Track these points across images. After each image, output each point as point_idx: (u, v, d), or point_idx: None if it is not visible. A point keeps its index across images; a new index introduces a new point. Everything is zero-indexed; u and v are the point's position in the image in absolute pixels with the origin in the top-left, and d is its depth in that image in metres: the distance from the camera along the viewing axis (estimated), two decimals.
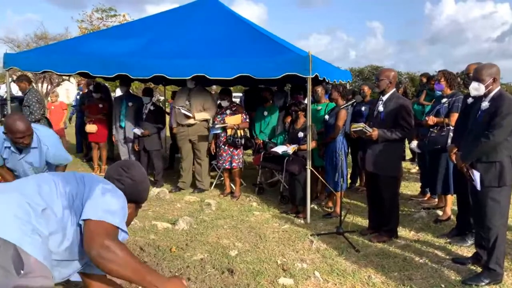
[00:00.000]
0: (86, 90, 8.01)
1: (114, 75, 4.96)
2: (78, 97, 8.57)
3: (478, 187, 3.03)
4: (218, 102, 6.21)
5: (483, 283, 3.00)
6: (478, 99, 3.16)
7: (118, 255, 1.48)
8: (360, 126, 3.81)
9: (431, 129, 4.44)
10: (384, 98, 3.89)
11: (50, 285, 1.49)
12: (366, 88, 5.68)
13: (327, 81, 5.60)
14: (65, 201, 1.64)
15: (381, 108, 3.88)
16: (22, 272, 1.38)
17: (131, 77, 4.96)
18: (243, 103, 7.50)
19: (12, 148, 3.06)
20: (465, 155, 3.14)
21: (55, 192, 1.64)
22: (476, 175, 3.03)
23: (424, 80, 6.72)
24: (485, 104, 3.05)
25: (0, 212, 1.47)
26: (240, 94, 15.06)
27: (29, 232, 1.46)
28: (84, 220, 1.58)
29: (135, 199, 1.90)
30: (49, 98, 10.65)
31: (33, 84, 7.50)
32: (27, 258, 1.41)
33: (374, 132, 3.76)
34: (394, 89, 3.94)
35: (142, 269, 1.51)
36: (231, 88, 7.29)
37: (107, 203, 1.64)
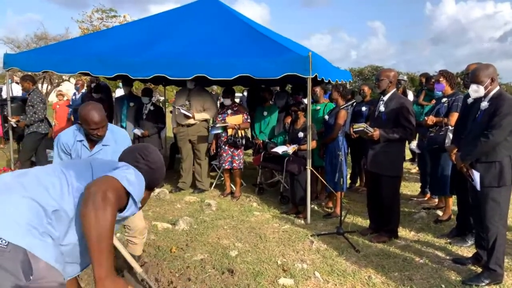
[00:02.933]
0: (82, 90, 8.01)
1: (114, 75, 4.97)
2: (74, 97, 8.54)
3: (478, 187, 3.04)
4: (220, 101, 6.21)
5: (483, 284, 3.00)
6: (478, 99, 3.16)
7: (106, 212, 1.37)
8: (361, 126, 3.81)
9: (430, 129, 4.45)
10: (385, 98, 3.89)
11: None
12: (366, 88, 5.69)
13: (328, 81, 5.59)
14: (77, 198, 1.52)
15: (382, 108, 3.88)
16: (31, 278, 1.33)
17: (131, 77, 4.96)
18: (244, 103, 7.51)
19: (84, 143, 2.86)
20: (465, 155, 3.14)
21: (66, 189, 1.53)
22: (476, 175, 3.04)
23: (423, 80, 6.72)
24: (484, 104, 3.06)
25: (8, 214, 1.39)
26: (240, 94, 15.08)
27: (40, 235, 1.40)
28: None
29: (151, 185, 1.79)
30: (55, 98, 10.67)
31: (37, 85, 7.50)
32: (37, 263, 1.35)
33: (376, 132, 3.77)
34: (395, 89, 3.95)
35: (107, 247, 1.37)
36: None
37: (125, 173, 1.55)
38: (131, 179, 1.54)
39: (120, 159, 1.77)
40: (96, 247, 1.36)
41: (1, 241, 1.33)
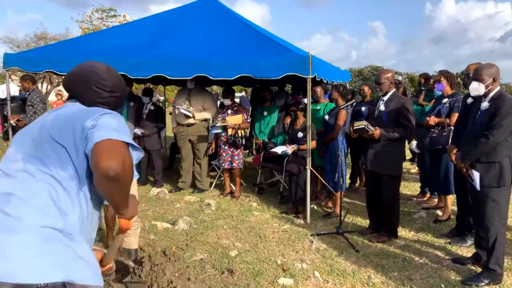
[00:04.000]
0: None
1: None
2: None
3: (478, 187, 3.04)
4: (220, 101, 6.22)
5: (483, 283, 3.00)
6: (478, 99, 3.16)
7: (128, 181, 1.35)
8: (362, 124, 3.81)
9: (432, 129, 4.44)
10: (385, 98, 3.89)
11: None
12: (366, 88, 5.69)
13: (327, 81, 5.60)
14: (72, 170, 1.38)
15: (382, 108, 3.88)
16: None
17: (130, 77, 4.95)
18: (244, 103, 7.51)
19: None
20: (465, 155, 3.14)
21: (68, 197, 1.37)
22: (476, 175, 3.04)
23: (422, 80, 6.72)
24: (485, 105, 3.06)
25: (33, 252, 1.24)
26: (240, 94, 15.09)
27: (69, 255, 1.29)
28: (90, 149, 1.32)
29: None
30: (55, 97, 10.65)
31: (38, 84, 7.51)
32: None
33: (376, 131, 3.77)
34: (394, 89, 3.95)
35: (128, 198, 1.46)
36: None
37: (106, 123, 1.37)
38: (113, 124, 1.39)
39: (82, 100, 1.53)
40: (124, 205, 1.47)
41: (39, 285, 1.22)
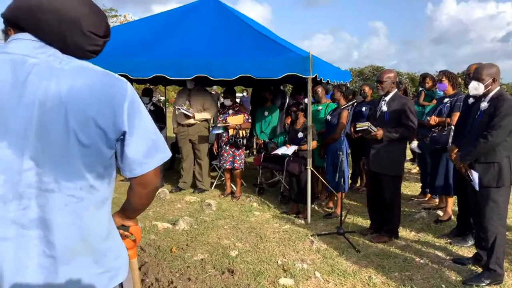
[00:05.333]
0: None
1: None
2: None
3: (477, 187, 3.05)
4: (221, 101, 6.22)
5: (484, 284, 3.00)
6: (478, 99, 3.16)
7: (150, 199, 1.32)
8: (365, 125, 3.81)
9: (432, 129, 4.44)
10: (387, 98, 3.89)
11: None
12: (367, 89, 5.69)
13: (327, 81, 5.59)
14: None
15: (384, 108, 3.88)
16: None
17: (131, 77, 4.95)
18: (244, 103, 7.51)
19: None
20: (464, 155, 3.15)
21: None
22: (475, 175, 3.04)
23: (421, 79, 6.71)
24: (484, 105, 3.06)
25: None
26: (241, 94, 15.09)
27: (105, 267, 1.20)
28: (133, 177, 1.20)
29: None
30: None
31: None
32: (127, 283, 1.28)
33: (379, 132, 3.77)
34: (396, 89, 3.95)
35: None
36: None
37: (146, 131, 1.18)
38: (156, 134, 1.22)
39: (58, 45, 1.12)
40: (141, 210, 1.39)
41: None
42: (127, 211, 1.37)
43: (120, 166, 1.19)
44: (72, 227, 1.11)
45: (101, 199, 1.18)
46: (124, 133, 1.12)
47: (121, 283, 1.25)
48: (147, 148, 1.17)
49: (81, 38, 1.13)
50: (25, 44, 1.09)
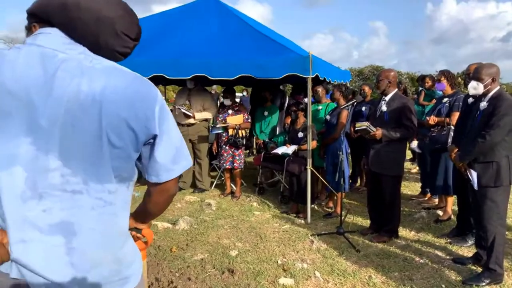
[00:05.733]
0: None
1: None
2: None
3: (475, 186, 3.06)
4: (221, 101, 6.22)
5: (484, 283, 3.00)
6: (478, 99, 3.17)
7: (167, 205, 1.31)
8: (364, 125, 3.81)
9: (432, 129, 4.45)
10: (387, 98, 3.89)
11: None
12: (366, 88, 5.69)
13: (328, 81, 5.59)
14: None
15: (384, 108, 3.88)
16: None
17: None
18: (245, 103, 7.50)
19: None
20: (463, 154, 3.16)
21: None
22: (474, 175, 3.06)
23: (419, 82, 6.74)
24: (483, 104, 3.07)
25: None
26: (241, 94, 15.09)
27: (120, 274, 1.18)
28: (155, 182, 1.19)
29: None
30: None
31: None
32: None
33: (378, 132, 3.77)
34: (396, 89, 3.95)
35: None
36: None
37: (172, 138, 1.15)
38: (181, 141, 1.19)
39: (88, 43, 1.09)
40: (156, 216, 1.37)
41: None
42: (142, 215, 1.35)
43: (146, 170, 1.16)
44: (96, 233, 1.08)
45: (122, 204, 1.15)
46: (154, 137, 1.10)
47: None
48: (173, 154, 1.15)
49: (114, 39, 1.11)
50: (54, 38, 1.06)
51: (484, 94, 3.08)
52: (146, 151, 1.13)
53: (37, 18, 1.10)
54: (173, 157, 1.15)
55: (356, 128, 3.90)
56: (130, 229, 1.36)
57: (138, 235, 1.44)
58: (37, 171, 1.02)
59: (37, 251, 1.03)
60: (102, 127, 1.02)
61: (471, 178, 3.08)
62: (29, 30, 1.12)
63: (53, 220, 1.03)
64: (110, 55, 1.13)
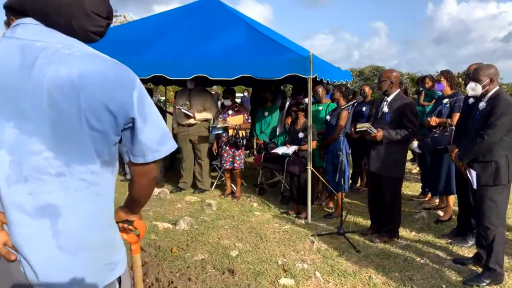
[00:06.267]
0: None
1: None
2: None
3: (475, 185, 3.08)
4: (221, 101, 6.22)
5: (484, 284, 3.00)
6: (478, 99, 3.18)
7: (151, 189, 1.34)
8: (365, 126, 3.81)
9: (433, 130, 4.45)
10: (389, 98, 3.88)
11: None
12: (367, 89, 5.69)
13: (327, 81, 5.59)
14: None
15: (386, 109, 3.87)
16: None
17: None
18: (245, 103, 7.50)
19: None
20: (463, 154, 3.19)
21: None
22: (473, 174, 3.08)
23: (420, 83, 6.74)
24: (482, 104, 3.11)
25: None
26: (241, 94, 15.09)
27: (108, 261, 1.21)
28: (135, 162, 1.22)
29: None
30: None
31: None
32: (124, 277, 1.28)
33: (379, 133, 3.76)
34: (399, 89, 3.93)
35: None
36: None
37: (154, 120, 1.20)
38: (164, 127, 1.24)
39: (61, 27, 1.12)
40: (145, 202, 1.40)
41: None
42: (130, 205, 1.39)
43: (131, 152, 1.19)
44: (81, 214, 1.11)
45: (108, 188, 1.18)
46: (133, 120, 1.14)
47: (120, 277, 1.25)
48: (159, 136, 1.20)
49: (85, 19, 1.13)
50: (31, 28, 1.09)
51: (483, 95, 3.10)
52: (129, 134, 1.17)
53: (14, 11, 1.13)
54: (159, 138, 1.19)
55: (357, 129, 3.90)
56: (122, 221, 1.40)
57: (130, 227, 1.45)
58: (21, 154, 1.04)
59: (25, 235, 1.05)
60: (81, 111, 1.05)
61: (470, 178, 3.10)
62: (8, 25, 1.16)
63: (39, 203, 1.05)
64: (85, 37, 1.16)
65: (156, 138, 1.19)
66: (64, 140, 1.06)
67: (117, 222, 1.39)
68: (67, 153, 1.06)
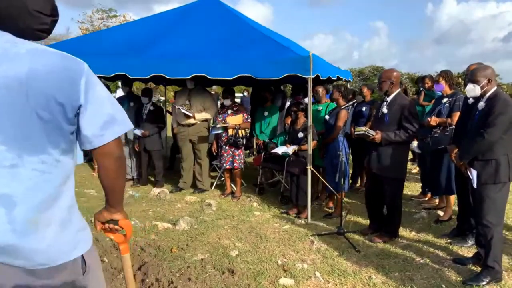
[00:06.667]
0: None
1: (112, 75, 4.97)
2: None
3: (475, 184, 3.10)
4: (221, 101, 6.22)
5: (483, 283, 3.01)
6: (477, 99, 3.22)
7: (121, 172, 1.37)
8: (362, 130, 3.80)
9: (433, 130, 4.45)
10: (389, 99, 3.87)
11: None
12: (365, 90, 5.67)
13: (326, 78, 5.59)
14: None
15: (385, 110, 3.85)
16: (86, 269, 1.32)
17: (129, 76, 4.95)
18: (245, 103, 7.50)
19: None
20: (463, 153, 3.21)
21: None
22: (474, 173, 3.10)
23: (419, 83, 6.74)
24: (481, 104, 3.15)
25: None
26: (241, 94, 15.10)
27: (75, 230, 1.29)
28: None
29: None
30: None
31: None
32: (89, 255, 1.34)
33: (377, 135, 3.75)
34: (399, 89, 3.91)
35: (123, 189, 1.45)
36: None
37: (101, 103, 1.25)
38: (113, 105, 1.30)
39: (8, 28, 1.17)
40: (120, 192, 1.42)
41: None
42: (108, 198, 1.41)
43: (79, 140, 1.26)
44: (36, 200, 1.17)
45: (66, 173, 1.25)
46: (79, 107, 1.20)
47: (83, 256, 1.30)
48: (102, 121, 1.24)
49: (29, 18, 1.17)
50: None
51: (482, 95, 3.15)
52: (77, 122, 1.23)
53: None
54: (102, 124, 1.24)
55: (356, 133, 3.88)
56: (107, 221, 1.43)
57: (116, 227, 1.46)
58: None
59: None
60: (32, 106, 1.12)
61: (471, 177, 3.12)
62: None
63: None
64: (33, 35, 1.21)
65: (98, 124, 1.24)
66: (15, 135, 1.13)
67: (102, 223, 1.45)
68: (19, 146, 1.13)
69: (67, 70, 1.19)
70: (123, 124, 1.31)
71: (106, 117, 1.25)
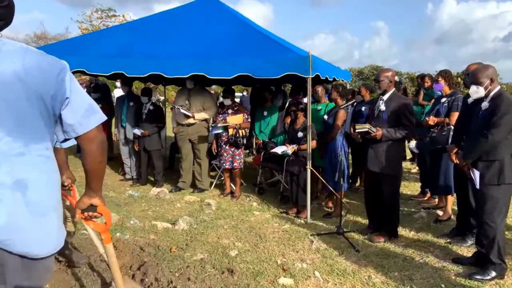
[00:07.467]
0: None
1: (111, 73, 4.97)
2: None
3: (478, 185, 3.09)
4: (220, 101, 6.22)
5: (489, 277, 3.05)
6: (479, 99, 3.20)
7: (103, 155, 1.48)
8: (365, 127, 3.82)
9: (431, 129, 4.45)
10: (385, 97, 3.89)
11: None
12: (363, 90, 5.66)
13: (325, 77, 5.58)
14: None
15: (382, 107, 3.88)
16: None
17: (127, 75, 4.94)
18: (245, 103, 7.50)
19: None
20: (466, 154, 3.20)
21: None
22: (476, 174, 3.08)
23: (419, 80, 6.74)
24: (485, 104, 3.13)
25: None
26: (240, 94, 15.09)
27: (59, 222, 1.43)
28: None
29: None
30: None
31: None
32: None
33: (379, 132, 3.77)
34: (394, 88, 3.95)
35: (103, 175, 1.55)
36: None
37: (80, 96, 1.40)
38: (89, 101, 1.44)
39: None
40: (99, 175, 1.53)
41: None
42: (89, 181, 1.52)
43: (64, 129, 1.38)
44: (44, 183, 1.32)
45: (54, 158, 1.40)
46: (66, 99, 1.34)
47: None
48: (84, 110, 1.39)
49: None
50: None
51: (485, 95, 3.13)
52: (59, 113, 1.36)
53: None
54: (85, 112, 1.39)
55: (357, 130, 3.89)
56: (86, 209, 1.54)
57: (95, 214, 1.55)
58: None
59: (4, 207, 1.24)
60: (32, 100, 1.25)
61: (474, 178, 3.11)
62: None
63: (12, 180, 1.25)
64: None
65: (82, 113, 1.38)
66: (19, 125, 1.25)
67: (82, 211, 1.55)
68: (24, 136, 1.26)
69: (53, 66, 1.31)
70: (100, 112, 1.45)
71: (86, 106, 1.40)
